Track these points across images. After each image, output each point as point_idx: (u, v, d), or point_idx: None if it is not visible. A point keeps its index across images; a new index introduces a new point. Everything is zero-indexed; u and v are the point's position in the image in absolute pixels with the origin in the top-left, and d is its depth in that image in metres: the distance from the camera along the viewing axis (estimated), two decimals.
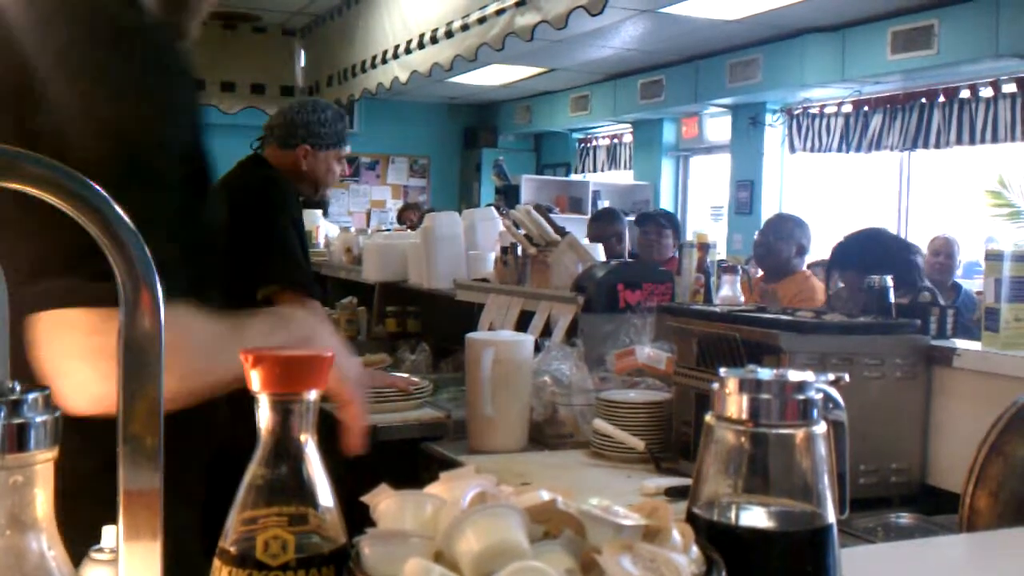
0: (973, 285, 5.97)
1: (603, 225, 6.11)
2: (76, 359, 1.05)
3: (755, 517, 0.73)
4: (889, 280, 2.74)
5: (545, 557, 0.61)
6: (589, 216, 7.71)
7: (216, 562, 0.66)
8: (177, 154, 1.14)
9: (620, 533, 0.62)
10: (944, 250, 6.15)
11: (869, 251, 3.99)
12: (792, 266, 4.93)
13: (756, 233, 5.26)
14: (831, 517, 0.73)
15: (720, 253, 6.48)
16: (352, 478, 0.95)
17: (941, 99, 7.51)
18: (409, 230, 6.58)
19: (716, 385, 0.75)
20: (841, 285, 3.47)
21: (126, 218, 0.70)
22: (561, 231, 3.60)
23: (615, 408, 2.64)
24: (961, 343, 2.42)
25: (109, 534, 1.00)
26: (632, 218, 7.36)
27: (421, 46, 5.28)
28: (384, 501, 0.68)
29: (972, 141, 7.29)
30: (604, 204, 10.21)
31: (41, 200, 1.01)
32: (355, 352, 4.21)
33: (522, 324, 3.40)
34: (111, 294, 0.90)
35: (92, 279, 1.00)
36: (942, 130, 7.50)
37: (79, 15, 1.09)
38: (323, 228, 7.32)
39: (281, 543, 0.64)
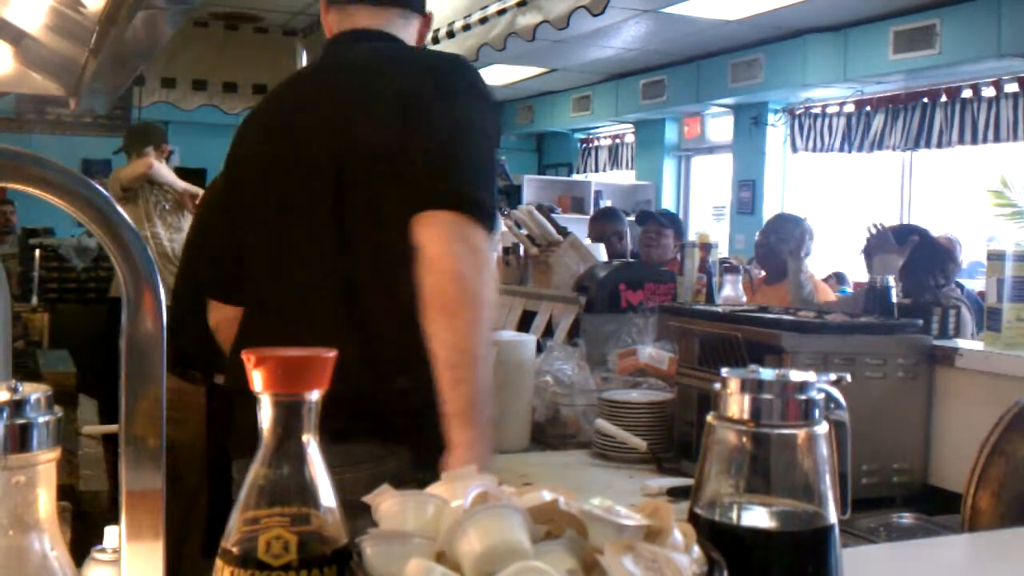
0: (976, 285, 5.98)
1: (603, 224, 6.10)
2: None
3: (757, 517, 0.73)
4: (891, 280, 2.74)
5: (547, 557, 0.61)
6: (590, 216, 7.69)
7: (218, 562, 0.66)
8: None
9: (622, 533, 0.62)
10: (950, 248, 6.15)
11: (922, 243, 4.14)
12: None
13: (757, 233, 5.26)
14: (833, 517, 0.73)
15: (722, 253, 6.48)
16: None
17: (943, 99, 7.50)
18: None
19: (718, 385, 0.75)
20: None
21: (128, 220, 0.70)
22: (563, 231, 3.60)
23: (617, 408, 2.64)
24: (963, 343, 2.42)
25: (111, 534, 1.01)
26: (632, 217, 7.35)
27: None
28: (386, 501, 0.68)
29: (974, 141, 7.28)
30: (606, 204, 10.20)
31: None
32: None
33: (524, 324, 3.40)
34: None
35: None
36: (944, 130, 7.49)
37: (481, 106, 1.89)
38: None
39: (283, 543, 0.65)
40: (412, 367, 1.68)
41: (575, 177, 11.93)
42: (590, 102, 10.87)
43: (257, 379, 0.66)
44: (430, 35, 5.10)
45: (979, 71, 7.01)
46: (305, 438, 0.68)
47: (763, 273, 4.99)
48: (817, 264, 5.74)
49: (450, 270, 1.67)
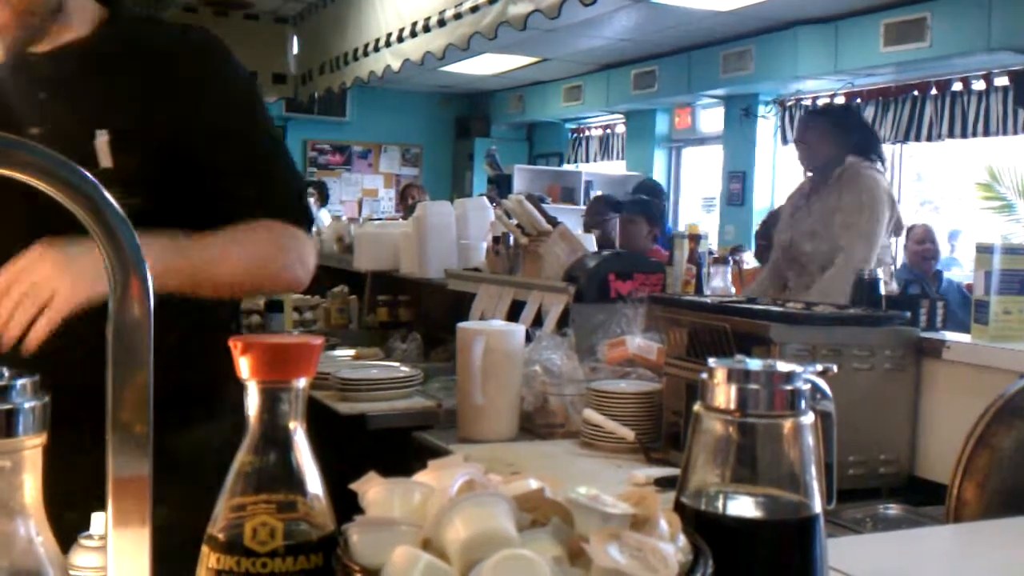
0: (965, 278, 6.02)
1: (598, 213, 6.12)
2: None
3: (742, 507, 0.74)
4: (880, 272, 2.75)
5: (533, 545, 0.61)
6: (583, 206, 7.70)
7: (204, 549, 0.66)
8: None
9: (607, 522, 0.62)
10: (927, 238, 6.18)
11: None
12: None
13: (758, 225, 5.26)
14: (818, 507, 0.74)
15: (712, 244, 6.49)
16: (341, 466, 0.97)
17: (933, 92, 7.52)
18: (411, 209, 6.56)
19: (705, 375, 0.75)
20: None
21: (116, 205, 0.70)
22: (553, 221, 3.60)
23: (606, 398, 2.64)
24: (951, 335, 2.43)
25: (98, 521, 1.01)
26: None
27: (414, 34, 5.27)
28: (373, 489, 0.68)
29: (964, 134, 7.30)
30: (597, 193, 10.19)
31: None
32: (348, 342, 4.23)
33: (513, 314, 3.40)
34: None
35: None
36: (934, 123, 7.51)
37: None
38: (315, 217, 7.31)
39: (269, 530, 0.65)
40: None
41: (565, 167, 11.93)
42: (581, 92, 10.86)
43: (244, 366, 0.66)
44: (421, 23, 5.11)
45: (969, 64, 7.03)
46: (292, 425, 0.68)
47: (758, 265, 4.99)
48: None
49: (286, 282, 1.76)
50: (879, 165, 3.98)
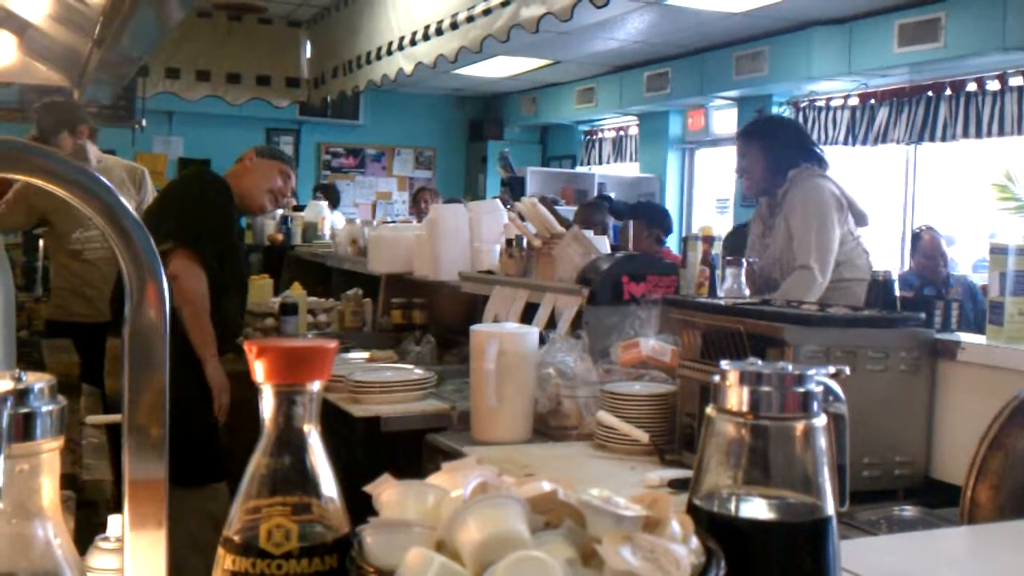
0: (982, 280, 5.97)
1: (588, 214, 6.14)
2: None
3: (755, 509, 0.74)
4: (894, 274, 2.74)
5: (546, 547, 0.61)
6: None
7: (220, 551, 0.66)
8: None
9: (620, 524, 0.63)
10: (936, 252, 6.12)
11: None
12: None
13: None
14: (831, 509, 0.74)
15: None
16: (356, 468, 0.98)
17: (948, 92, 7.48)
18: (424, 212, 6.58)
19: (717, 378, 0.76)
20: None
21: (131, 210, 0.71)
22: (566, 223, 3.60)
23: (619, 400, 2.64)
24: (966, 336, 2.42)
25: (115, 523, 1.01)
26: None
27: (426, 38, 5.28)
28: (387, 491, 0.69)
29: (978, 134, 7.25)
30: (594, 197, 10.15)
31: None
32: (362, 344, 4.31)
33: (527, 316, 3.40)
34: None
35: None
36: (948, 123, 7.47)
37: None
38: (328, 220, 7.32)
39: (284, 532, 0.65)
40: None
41: (579, 169, 11.92)
42: (594, 94, 10.85)
43: (259, 370, 0.67)
44: (433, 26, 5.12)
45: (984, 64, 6.99)
46: (306, 428, 0.68)
47: None
48: None
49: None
50: (822, 169, 3.91)
